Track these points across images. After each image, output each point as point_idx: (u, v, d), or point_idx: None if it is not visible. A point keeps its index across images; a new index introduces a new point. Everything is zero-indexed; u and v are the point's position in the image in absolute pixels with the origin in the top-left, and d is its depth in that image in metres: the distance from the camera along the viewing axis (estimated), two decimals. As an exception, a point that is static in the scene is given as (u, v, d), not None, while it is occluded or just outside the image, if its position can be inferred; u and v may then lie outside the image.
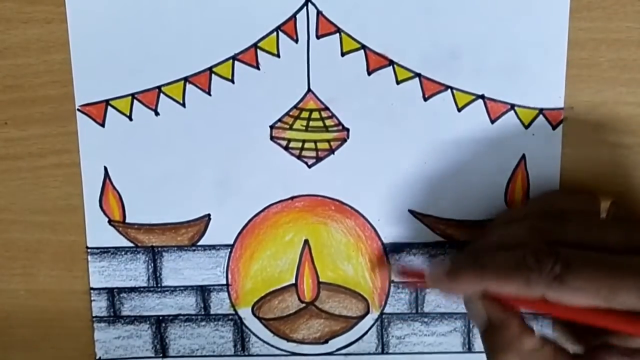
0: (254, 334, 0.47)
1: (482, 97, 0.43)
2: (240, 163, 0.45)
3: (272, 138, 0.44)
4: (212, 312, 0.47)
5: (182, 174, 0.45)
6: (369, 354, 0.47)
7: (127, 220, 0.46)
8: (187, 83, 0.44)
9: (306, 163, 0.45)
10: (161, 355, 0.47)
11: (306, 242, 0.46)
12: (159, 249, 0.46)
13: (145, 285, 0.47)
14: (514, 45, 0.43)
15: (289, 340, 0.47)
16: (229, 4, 0.42)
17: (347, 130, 0.44)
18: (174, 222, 0.45)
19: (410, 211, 0.45)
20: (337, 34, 0.43)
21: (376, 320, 0.47)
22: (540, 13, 0.42)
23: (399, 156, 0.44)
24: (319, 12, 0.43)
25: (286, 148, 0.44)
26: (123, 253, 0.46)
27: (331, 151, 0.44)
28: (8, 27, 0.43)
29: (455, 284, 0.38)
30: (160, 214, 0.45)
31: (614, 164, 0.44)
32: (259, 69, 0.43)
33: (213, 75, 0.43)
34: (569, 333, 0.42)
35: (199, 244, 0.46)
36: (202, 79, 0.44)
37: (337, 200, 0.45)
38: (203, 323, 0.47)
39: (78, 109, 0.44)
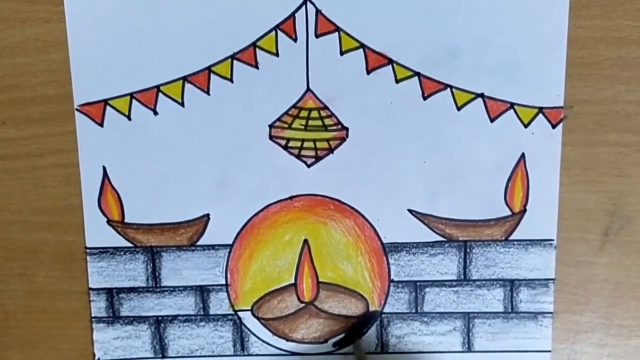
0: (253, 334, 0.47)
1: (482, 96, 0.43)
2: (239, 162, 0.44)
3: (271, 137, 0.44)
4: (211, 312, 0.47)
5: (181, 174, 0.45)
6: (369, 353, 0.47)
7: (126, 220, 0.45)
8: (186, 82, 0.43)
9: (305, 162, 0.45)
10: (160, 355, 0.47)
11: (305, 241, 0.46)
12: (158, 249, 0.46)
13: (144, 285, 0.46)
14: (513, 44, 0.43)
15: (288, 340, 0.47)
16: (227, 3, 0.42)
17: (346, 129, 0.44)
18: (173, 222, 0.45)
19: (410, 210, 0.45)
20: (336, 33, 0.43)
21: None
22: (540, 12, 0.42)
23: (398, 155, 0.44)
24: (318, 11, 0.42)
25: (285, 147, 0.44)
26: (122, 253, 0.46)
27: (330, 150, 0.44)
28: (6, 27, 0.43)
29: None
30: (159, 214, 0.45)
31: (614, 162, 0.44)
32: (258, 68, 0.43)
33: (212, 74, 0.43)
34: None
35: (198, 244, 0.46)
36: (201, 78, 0.43)
37: (337, 200, 0.45)
38: (202, 323, 0.47)
39: (77, 109, 0.44)
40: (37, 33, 0.43)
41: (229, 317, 0.47)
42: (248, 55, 0.43)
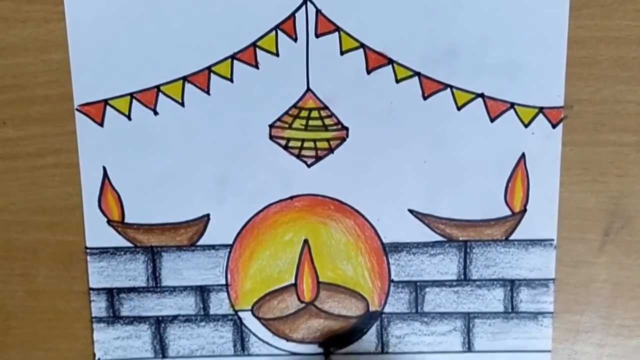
0: (253, 334, 0.47)
1: (482, 95, 0.43)
2: (240, 162, 0.44)
3: (271, 137, 0.44)
4: (211, 312, 0.47)
5: (181, 174, 0.45)
6: (369, 353, 0.47)
7: (126, 220, 0.45)
8: (186, 82, 0.43)
9: (305, 162, 0.45)
10: (161, 355, 0.47)
11: (305, 241, 0.46)
12: (158, 249, 0.46)
13: (145, 285, 0.46)
14: (513, 44, 0.43)
15: (288, 340, 0.47)
16: (227, 3, 0.42)
17: (347, 129, 0.44)
18: (173, 222, 0.45)
19: (410, 210, 0.45)
20: (336, 33, 0.43)
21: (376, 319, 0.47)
22: (540, 12, 0.42)
23: (398, 155, 0.44)
24: (318, 11, 0.42)
25: (285, 147, 0.44)
26: (122, 253, 0.46)
27: (330, 150, 0.44)
28: (6, 27, 0.43)
29: None
30: (159, 214, 0.45)
31: (614, 162, 0.44)
32: (258, 68, 0.43)
33: (212, 74, 0.43)
34: None
35: (198, 244, 0.46)
36: (201, 78, 0.43)
37: (337, 200, 0.45)
38: (202, 323, 0.47)
39: (77, 109, 0.44)
40: (37, 33, 0.43)
41: (229, 317, 0.47)
42: (248, 55, 0.43)
